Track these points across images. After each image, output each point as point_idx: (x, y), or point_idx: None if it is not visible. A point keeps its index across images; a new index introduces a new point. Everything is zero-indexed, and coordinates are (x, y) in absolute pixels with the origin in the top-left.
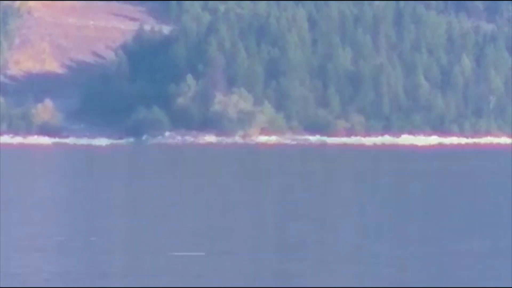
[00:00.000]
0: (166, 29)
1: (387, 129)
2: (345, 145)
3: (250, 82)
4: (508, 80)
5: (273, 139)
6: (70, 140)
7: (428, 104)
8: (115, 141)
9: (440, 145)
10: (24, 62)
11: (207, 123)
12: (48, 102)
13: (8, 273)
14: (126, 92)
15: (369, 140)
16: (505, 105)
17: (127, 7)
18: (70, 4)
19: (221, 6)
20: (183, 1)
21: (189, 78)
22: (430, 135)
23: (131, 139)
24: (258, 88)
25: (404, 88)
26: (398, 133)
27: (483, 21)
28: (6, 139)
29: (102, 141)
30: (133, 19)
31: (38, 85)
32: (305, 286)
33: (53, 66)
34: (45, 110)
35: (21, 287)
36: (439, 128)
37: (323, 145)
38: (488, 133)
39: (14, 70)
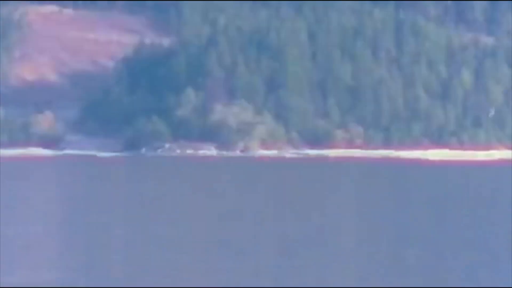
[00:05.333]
0: (166, 42)
1: (386, 141)
2: (344, 158)
3: (250, 94)
4: (507, 91)
5: (273, 153)
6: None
7: (427, 115)
8: (115, 154)
9: (440, 161)
10: (24, 74)
11: (207, 134)
12: (48, 114)
13: None
14: (125, 103)
15: (368, 153)
16: (505, 116)
17: (127, 20)
18: (69, 17)
19: (221, 19)
20: (183, 14)
21: (189, 90)
22: (428, 148)
23: (131, 151)
24: (258, 100)
25: (403, 99)
26: (397, 146)
27: (483, 34)
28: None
29: (102, 154)
30: (133, 31)
31: (38, 97)
32: (305, 286)
33: (53, 77)
34: (45, 120)
35: (21, 287)
36: (438, 140)
37: (324, 158)
38: (487, 145)
39: (14, 81)
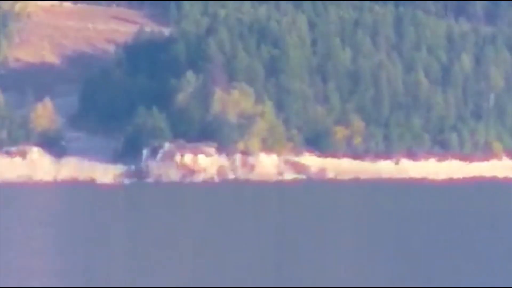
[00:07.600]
0: (166, 32)
1: (386, 138)
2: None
3: (250, 79)
4: (508, 77)
5: (273, 159)
6: (69, 172)
7: (427, 104)
8: (116, 172)
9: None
10: (23, 57)
11: (207, 131)
12: (48, 103)
13: None
14: (126, 89)
15: (368, 168)
16: (505, 105)
17: (127, 12)
18: (69, 8)
19: (221, 11)
20: (182, 6)
21: (189, 74)
22: (428, 157)
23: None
24: (258, 85)
25: (404, 85)
26: (397, 153)
27: (482, 25)
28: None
29: (103, 176)
30: (132, 22)
31: (37, 80)
32: (305, 286)
33: (52, 60)
34: (45, 112)
35: (21, 287)
36: (439, 138)
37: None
38: (487, 151)
39: (13, 65)
